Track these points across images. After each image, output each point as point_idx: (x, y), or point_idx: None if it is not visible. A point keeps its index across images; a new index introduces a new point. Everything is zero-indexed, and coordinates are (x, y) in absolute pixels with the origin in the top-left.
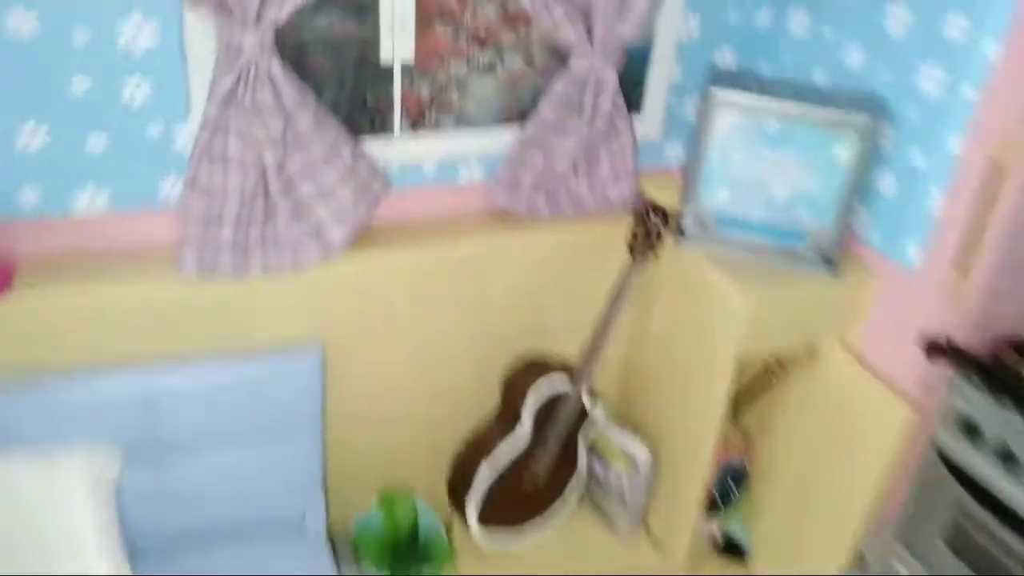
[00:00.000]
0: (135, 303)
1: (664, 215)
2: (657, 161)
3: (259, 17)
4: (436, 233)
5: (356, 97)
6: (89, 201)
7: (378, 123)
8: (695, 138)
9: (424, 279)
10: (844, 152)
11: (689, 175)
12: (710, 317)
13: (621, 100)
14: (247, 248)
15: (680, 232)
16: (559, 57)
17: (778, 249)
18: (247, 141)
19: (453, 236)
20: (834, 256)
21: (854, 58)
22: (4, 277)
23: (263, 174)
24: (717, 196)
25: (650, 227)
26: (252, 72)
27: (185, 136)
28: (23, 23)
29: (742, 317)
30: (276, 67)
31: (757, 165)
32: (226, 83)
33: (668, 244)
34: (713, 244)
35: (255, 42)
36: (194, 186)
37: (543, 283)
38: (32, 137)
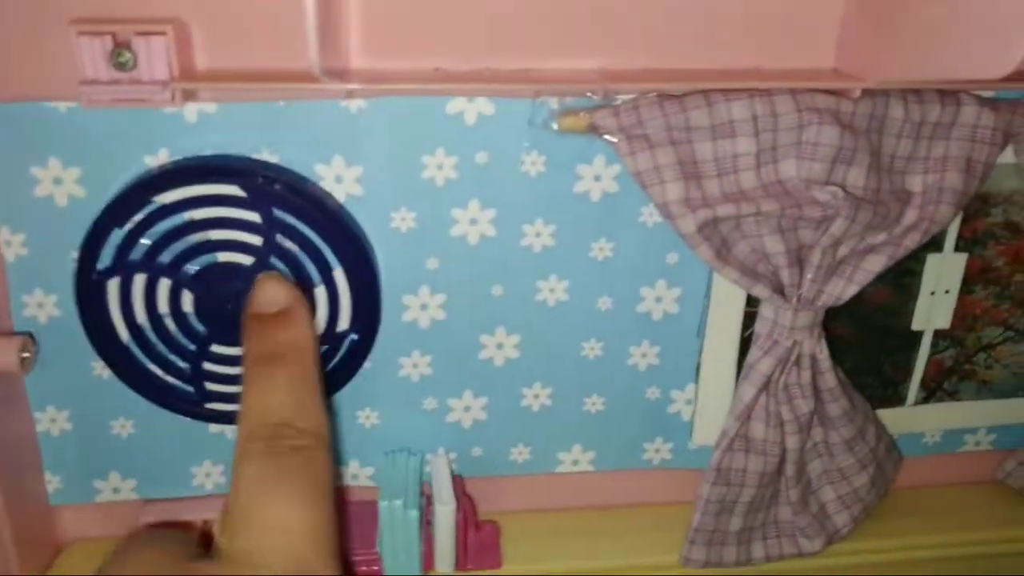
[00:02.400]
0: None
1: None
2: None
3: (815, 299)
4: (937, 518)
5: (874, 365)
6: (574, 460)
7: (891, 392)
8: None
9: (918, 568)
10: None
11: None
12: None
13: None
14: (751, 539)
15: None
16: None
17: None
18: (772, 426)
19: (959, 523)
20: None
21: None
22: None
23: (782, 459)
24: None
25: None
26: (795, 354)
27: (682, 402)
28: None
29: None
30: (822, 348)
31: None
32: (767, 366)
33: None
34: None
35: (807, 324)
36: (717, 475)
37: None
38: (535, 400)
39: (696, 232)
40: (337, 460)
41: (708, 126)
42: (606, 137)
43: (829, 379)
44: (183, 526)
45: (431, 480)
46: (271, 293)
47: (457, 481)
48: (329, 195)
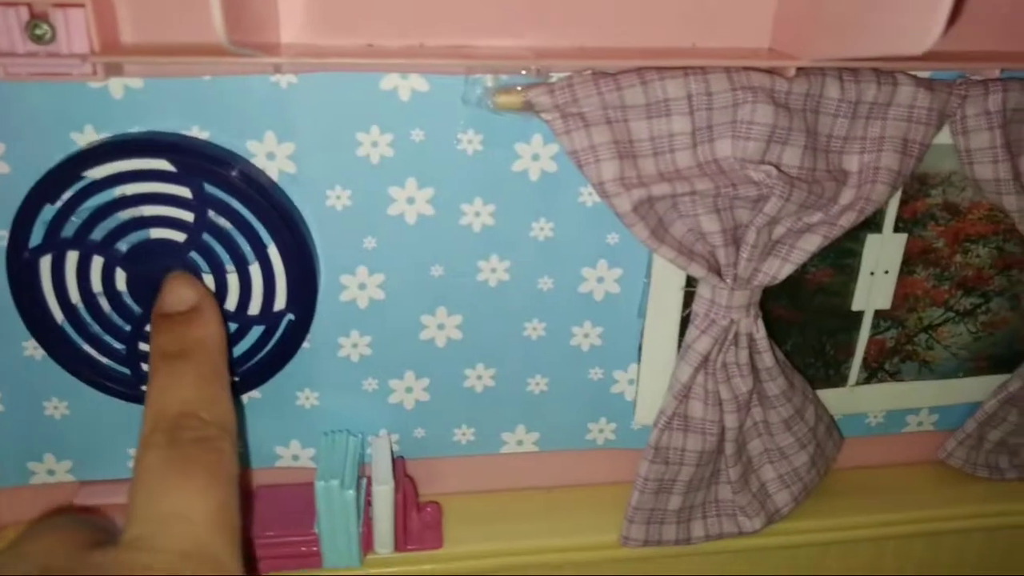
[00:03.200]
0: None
1: None
2: None
3: (752, 278)
4: (879, 496)
5: (815, 346)
6: (519, 440)
7: (832, 372)
8: None
9: (860, 548)
10: None
11: None
12: None
13: None
14: (691, 517)
15: None
16: None
17: None
18: (711, 405)
19: (900, 502)
20: None
21: None
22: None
23: (721, 438)
24: None
25: None
26: (732, 333)
27: (624, 383)
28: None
29: None
30: (759, 328)
31: None
32: (704, 345)
33: None
34: None
35: (744, 303)
36: (655, 454)
37: (1002, 562)
38: (478, 380)
39: (631, 211)
40: (278, 441)
41: (643, 105)
42: (541, 115)
43: (767, 358)
44: (119, 509)
45: (371, 461)
46: (180, 292)
47: (399, 462)
48: (261, 172)
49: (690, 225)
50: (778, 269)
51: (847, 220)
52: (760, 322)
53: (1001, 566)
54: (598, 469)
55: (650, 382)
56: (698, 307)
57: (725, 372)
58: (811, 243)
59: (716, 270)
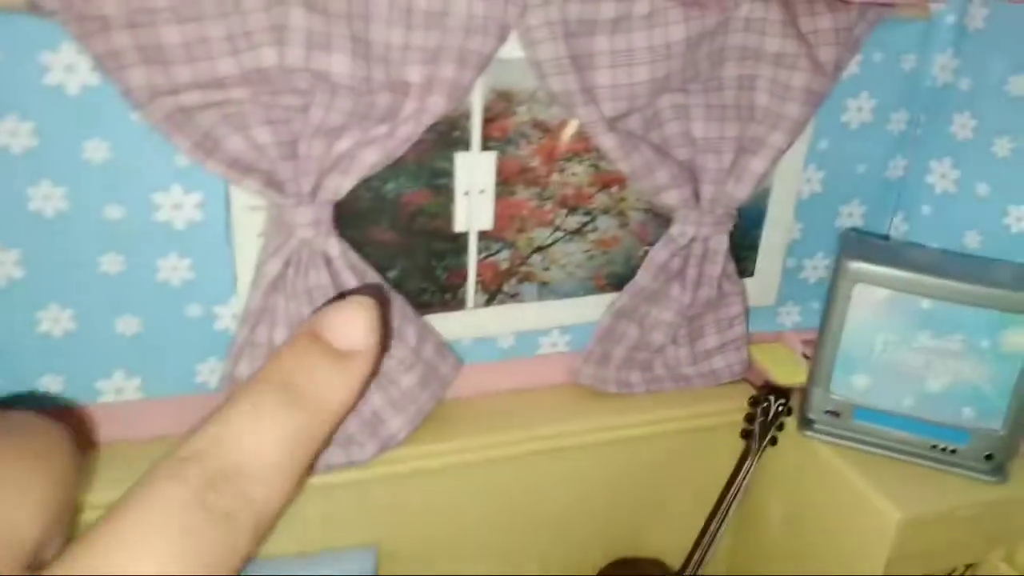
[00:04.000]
0: None
1: (786, 399)
2: (770, 327)
3: (315, 193)
4: (510, 417)
5: (426, 269)
6: (117, 388)
7: (450, 296)
8: (826, 317)
9: (495, 472)
10: (1020, 340)
11: (819, 358)
12: (844, 530)
13: (732, 267)
14: None
15: (806, 422)
16: (659, 218)
17: (930, 449)
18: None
19: (530, 421)
20: (1005, 461)
21: (1019, 222)
22: None
23: None
24: (854, 384)
25: (770, 413)
26: (305, 253)
27: (228, 317)
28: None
29: (888, 536)
30: (333, 246)
31: (905, 350)
32: (274, 267)
33: (789, 431)
34: (848, 439)
35: (309, 220)
36: (234, 384)
37: (637, 472)
38: (55, 324)
39: (165, 121)
40: None
41: (168, 7)
42: (51, 17)
43: (347, 278)
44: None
45: None
46: (356, 326)
47: None
48: None
49: (247, 138)
50: (339, 184)
51: (405, 132)
52: (334, 240)
53: (628, 476)
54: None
55: None
56: (267, 227)
57: (309, 296)
58: (371, 156)
59: (278, 186)
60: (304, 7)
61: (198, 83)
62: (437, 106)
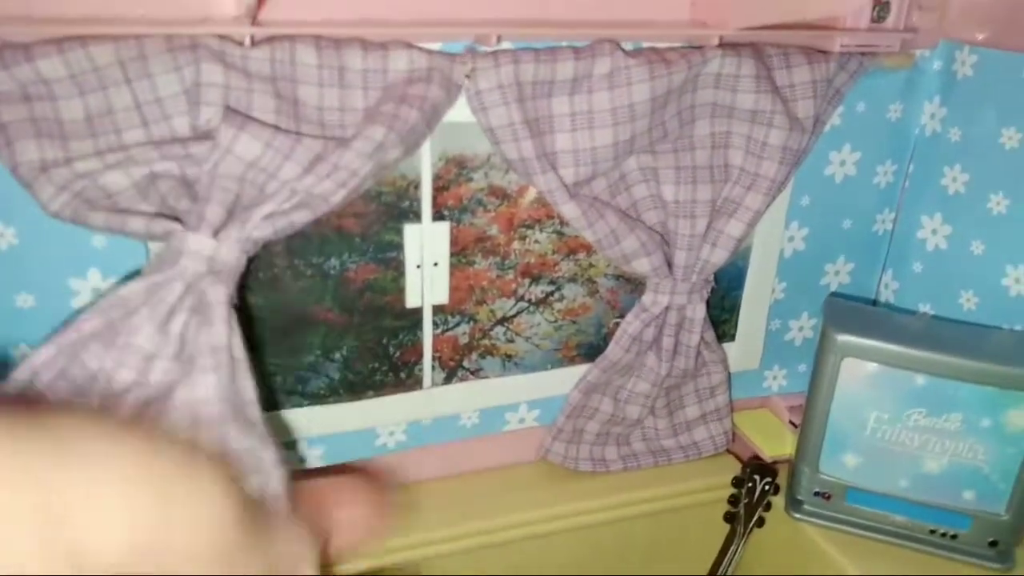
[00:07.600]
0: None
1: (773, 477)
2: (755, 392)
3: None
4: (479, 503)
5: (376, 348)
6: None
7: (405, 375)
8: (812, 391)
9: (456, 564)
10: (1022, 419)
11: (806, 435)
12: None
13: (711, 334)
14: None
15: (795, 503)
16: (631, 283)
17: (929, 534)
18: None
19: (499, 508)
20: (1009, 547)
21: (1018, 284)
22: None
23: None
24: (845, 463)
25: (755, 494)
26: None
27: None
28: None
29: None
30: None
31: (899, 429)
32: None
33: (778, 510)
34: (840, 523)
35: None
36: None
37: (614, 558)
38: None
39: (55, 195)
40: None
41: (66, 76)
42: None
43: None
44: None
45: None
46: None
47: None
48: None
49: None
50: (260, 234)
51: (324, 189)
52: (223, 292)
53: (604, 562)
54: None
55: None
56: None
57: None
58: (302, 216)
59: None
60: (223, 65)
61: (99, 154)
62: (352, 163)
